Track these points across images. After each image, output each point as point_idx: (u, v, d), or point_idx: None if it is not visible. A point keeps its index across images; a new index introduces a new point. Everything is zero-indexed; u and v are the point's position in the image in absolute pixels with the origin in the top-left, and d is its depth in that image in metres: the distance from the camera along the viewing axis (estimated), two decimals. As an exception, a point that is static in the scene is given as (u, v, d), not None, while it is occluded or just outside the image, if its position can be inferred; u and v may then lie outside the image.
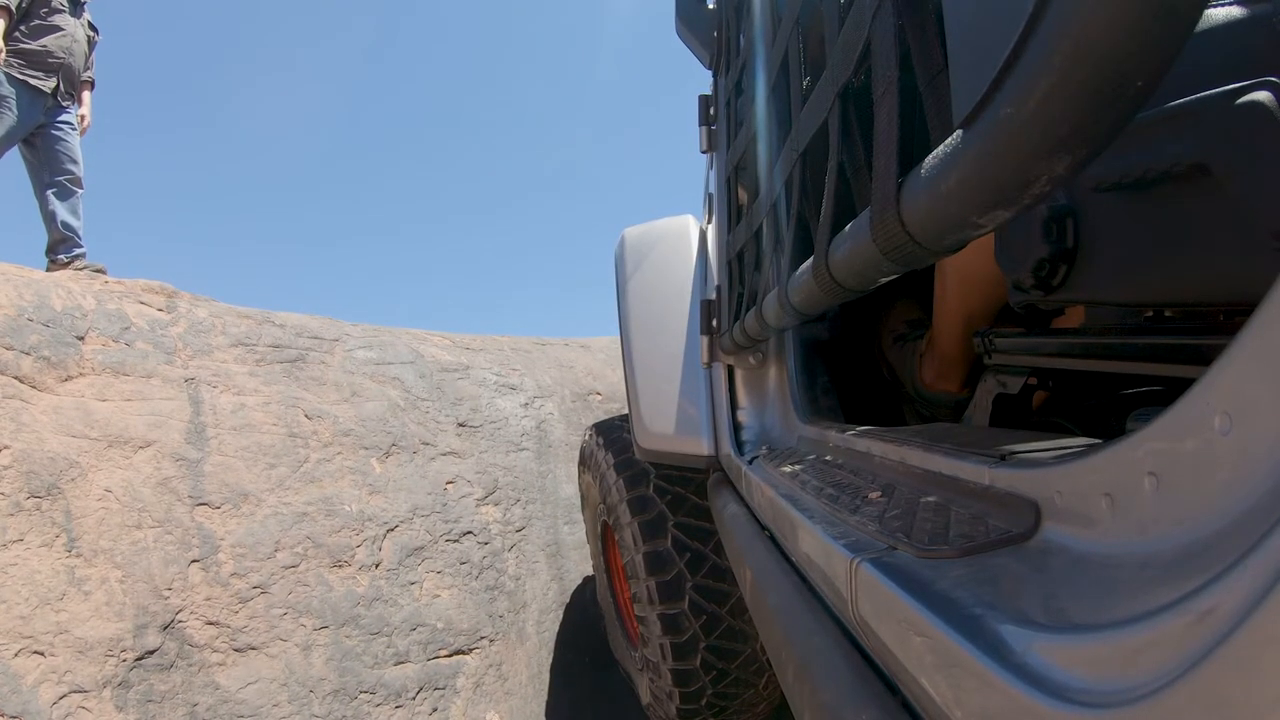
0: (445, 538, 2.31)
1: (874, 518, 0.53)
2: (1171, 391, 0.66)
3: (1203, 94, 0.43)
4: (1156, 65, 0.23)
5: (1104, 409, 0.78)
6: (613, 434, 1.83)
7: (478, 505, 2.50)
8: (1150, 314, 0.63)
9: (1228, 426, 0.25)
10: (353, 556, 2.05)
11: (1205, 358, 0.51)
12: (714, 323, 1.38)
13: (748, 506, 1.11)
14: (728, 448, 1.31)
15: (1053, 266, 0.61)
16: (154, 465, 1.88)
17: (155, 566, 1.70)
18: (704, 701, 1.57)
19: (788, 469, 0.89)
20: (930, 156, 0.35)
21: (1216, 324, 0.56)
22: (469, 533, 2.39)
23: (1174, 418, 0.28)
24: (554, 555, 2.64)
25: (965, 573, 0.39)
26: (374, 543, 2.12)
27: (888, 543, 0.48)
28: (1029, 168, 0.27)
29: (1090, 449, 0.35)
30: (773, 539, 0.91)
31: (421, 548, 2.23)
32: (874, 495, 0.60)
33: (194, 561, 1.78)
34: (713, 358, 1.40)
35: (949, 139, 0.33)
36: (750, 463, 1.12)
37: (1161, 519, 0.28)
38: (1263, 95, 0.40)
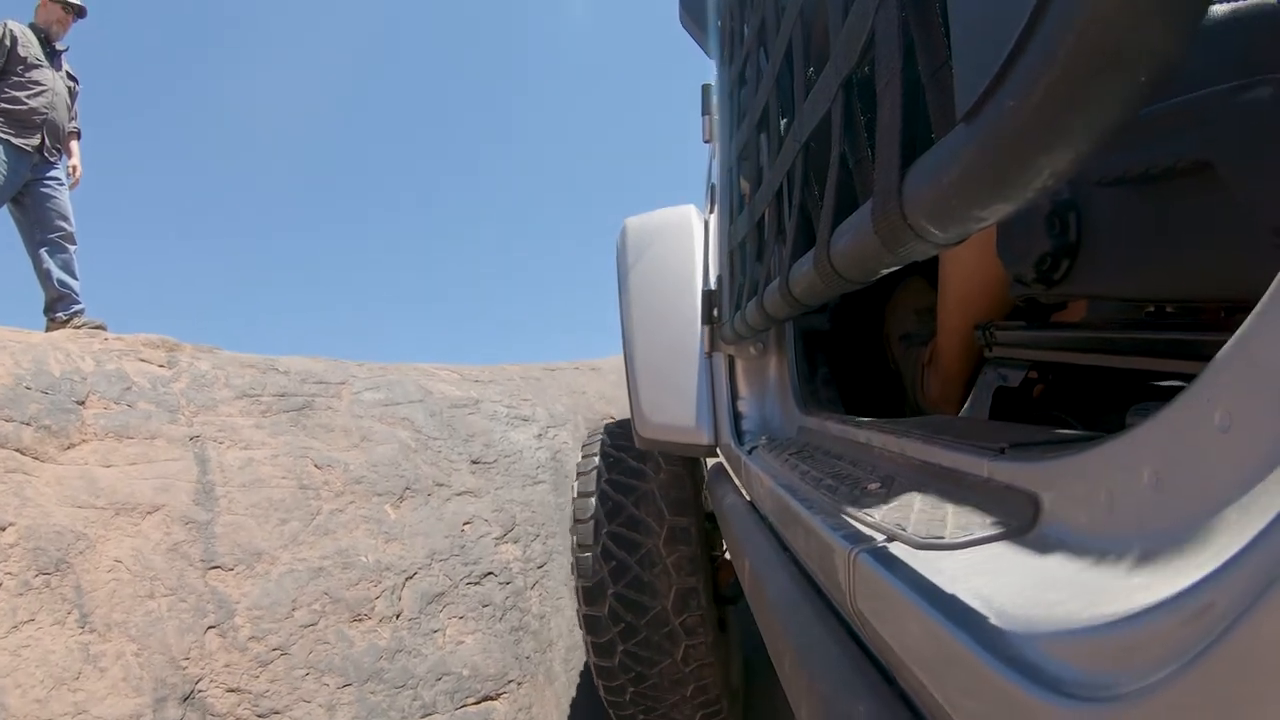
0: (465, 581, 2.24)
1: (873, 509, 0.53)
2: (1172, 387, 0.66)
3: (1206, 90, 0.43)
4: (1161, 60, 0.23)
5: (1104, 403, 0.79)
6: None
7: (497, 544, 2.42)
8: (1151, 309, 0.63)
9: (1228, 423, 0.25)
10: (372, 609, 1.99)
11: (1206, 354, 0.51)
12: (715, 312, 1.38)
13: (746, 496, 1.12)
14: (727, 437, 1.31)
15: (1054, 260, 0.61)
16: (163, 530, 1.82)
17: (171, 636, 1.66)
18: (628, 696, 1.66)
19: (787, 459, 0.89)
20: (933, 148, 0.35)
21: (1217, 320, 0.56)
22: (490, 573, 2.32)
23: (1174, 413, 0.28)
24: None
25: (963, 565, 0.39)
26: (393, 593, 2.06)
27: (886, 534, 0.48)
28: (1031, 161, 0.27)
29: (1090, 443, 0.35)
30: (771, 529, 0.91)
31: (442, 593, 2.16)
32: (873, 486, 0.60)
33: (210, 628, 1.73)
34: (713, 347, 1.40)
35: (952, 131, 0.33)
36: (749, 452, 1.12)
37: (1160, 514, 0.28)
38: (1266, 92, 0.40)
